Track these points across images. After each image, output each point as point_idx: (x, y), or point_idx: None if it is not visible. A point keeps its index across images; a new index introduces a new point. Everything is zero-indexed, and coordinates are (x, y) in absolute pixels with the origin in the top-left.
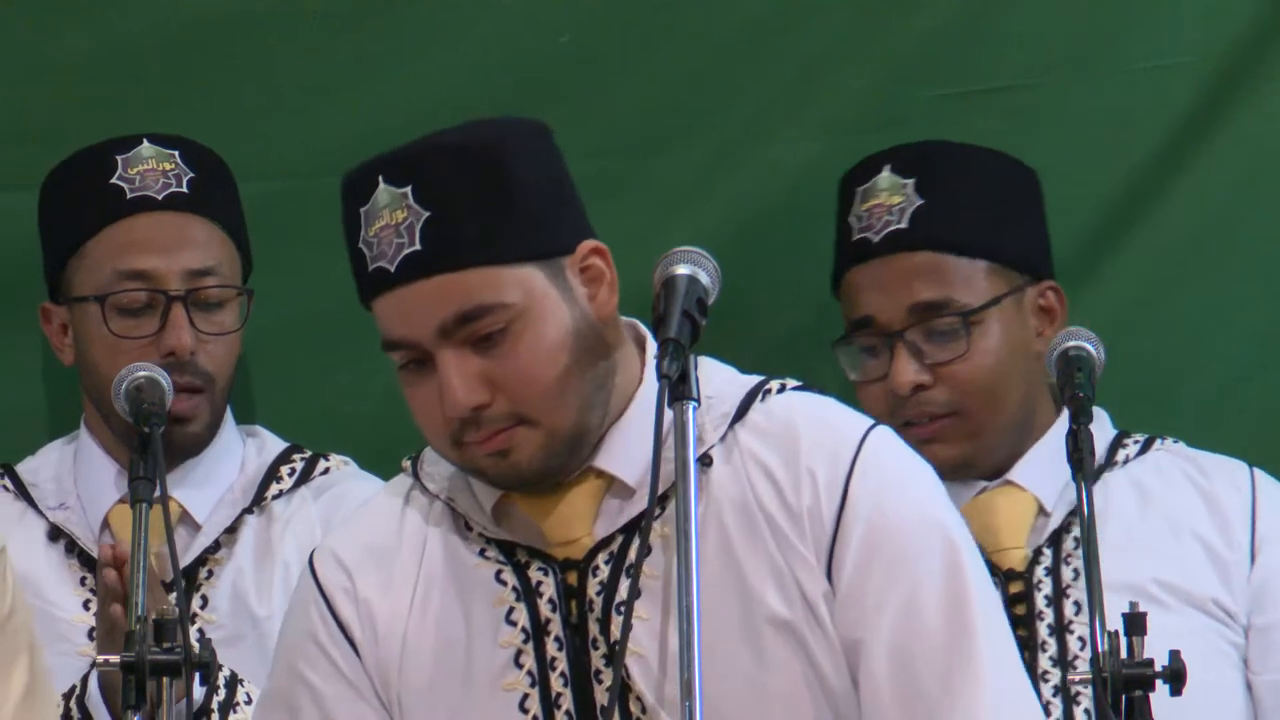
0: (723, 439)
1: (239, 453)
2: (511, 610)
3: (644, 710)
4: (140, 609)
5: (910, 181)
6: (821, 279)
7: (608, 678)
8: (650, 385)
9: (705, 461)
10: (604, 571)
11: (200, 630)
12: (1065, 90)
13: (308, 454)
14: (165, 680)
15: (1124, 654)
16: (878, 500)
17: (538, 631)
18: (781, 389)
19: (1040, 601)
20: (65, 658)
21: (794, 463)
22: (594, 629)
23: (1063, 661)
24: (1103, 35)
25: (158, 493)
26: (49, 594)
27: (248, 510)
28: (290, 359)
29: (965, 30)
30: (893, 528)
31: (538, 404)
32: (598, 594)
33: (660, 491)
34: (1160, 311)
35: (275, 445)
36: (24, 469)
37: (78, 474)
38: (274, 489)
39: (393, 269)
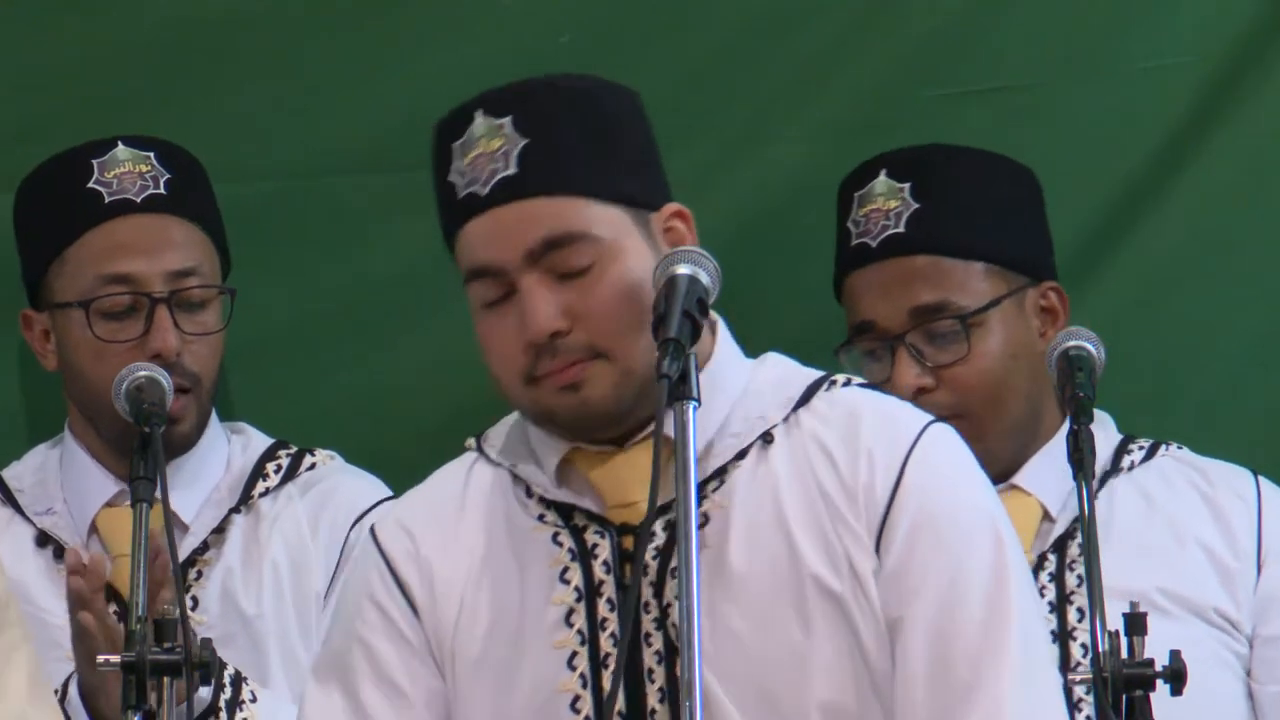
0: (785, 419)
1: (224, 451)
2: (566, 570)
3: None
4: (140, 609)
5: (906, 185)
6: (821, 279)
7: (657, 640)
8: (721, 363)
9: (766, 438)
10: (660, 537)
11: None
12: (1065, 90)
13: (294, 450)
14: (166, 680)
15: (1124, 654)
16: (932, 486)
17: (590, 592)
18: (847, 383)
19: (1043, 607)
20: (55, 663)
21: (853, 443)
22: (646, 592)
23: (1065, 667)
24: (1102, 35)
25: (157, 492)
26: (38, 600)
27: (235, 509)
28: (284, 360)
29: (965, 31)
30: (944, 514)
31: (615, 337)
32: (653, 558)
33: (718, 467)
34: (1160, 312)
35: (261, 442)
36: (9, 474)
37: (64, 479)
38: (260, 486)
39: (485, 191)
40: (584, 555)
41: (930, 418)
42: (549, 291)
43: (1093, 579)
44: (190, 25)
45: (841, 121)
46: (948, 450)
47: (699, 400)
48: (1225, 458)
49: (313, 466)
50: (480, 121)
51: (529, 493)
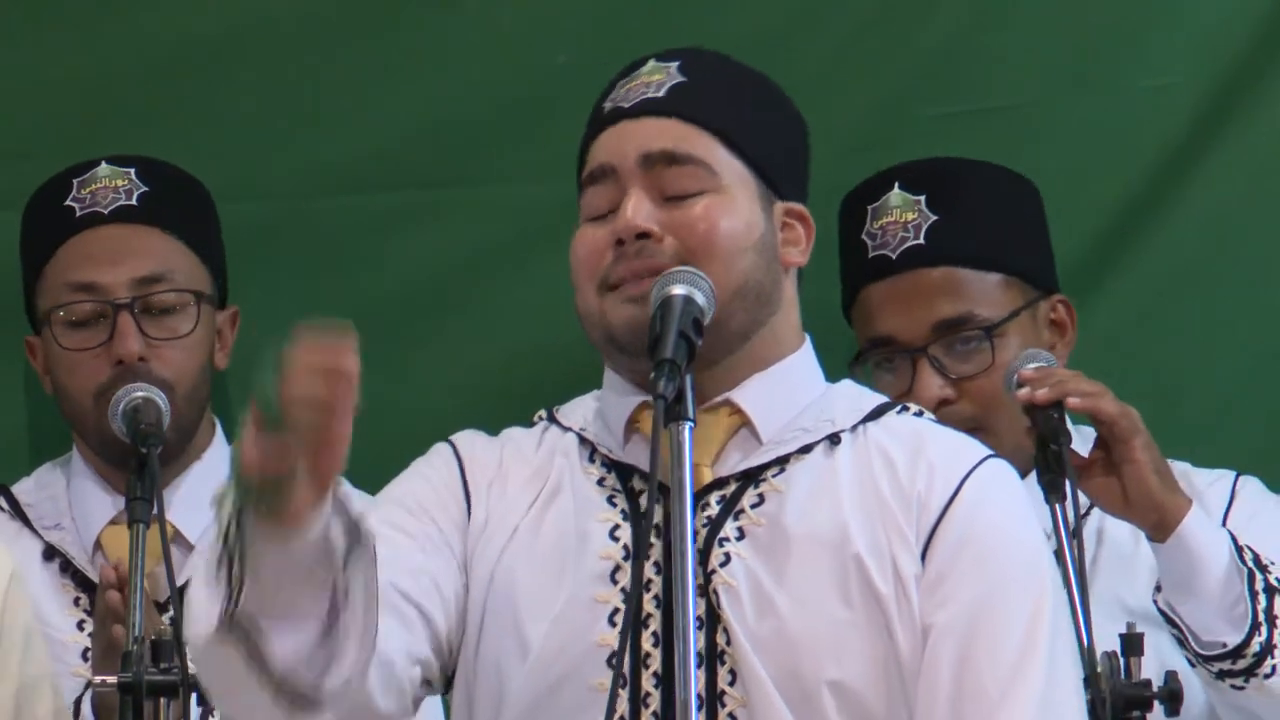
0: (853, 429)
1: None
2: (616, 528)
3: (729, 642)
4: (138, 629)
5: (921, 197)
6: (819, 289)
7: (699, 607)
8: (797, 363)
9: (834, 439)
10: (713, 509)
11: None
12: (1066, 109)
13: None
14: (162, 701)
15: (1121, 674)
16: (988, 508)
17: (638, 553)
18: (919, 413)
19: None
20: (60, 678)
21: (916, 455)
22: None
23: None
24: (1102, 54)
25: (155, 512)
26: (44, 614)
27: None
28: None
29: (966, 49)
30: (995, 535)
31: (704, 253)
32: (703, 526)
33: (782, 455)
34: (1160, 326)
35: None
36: (19, 489)
37: (71, 495)
38: None
39: (627, 106)
40: (636, 517)
41: (993, 452)
42: (651, 202)
43: (1086, 597)
44: (187, 45)
45: (843, 140)
46: (1009, 482)
47: (694, 420)
48: (1226, 469)
49: None
50: (653, 64)
51: (593, 458)
